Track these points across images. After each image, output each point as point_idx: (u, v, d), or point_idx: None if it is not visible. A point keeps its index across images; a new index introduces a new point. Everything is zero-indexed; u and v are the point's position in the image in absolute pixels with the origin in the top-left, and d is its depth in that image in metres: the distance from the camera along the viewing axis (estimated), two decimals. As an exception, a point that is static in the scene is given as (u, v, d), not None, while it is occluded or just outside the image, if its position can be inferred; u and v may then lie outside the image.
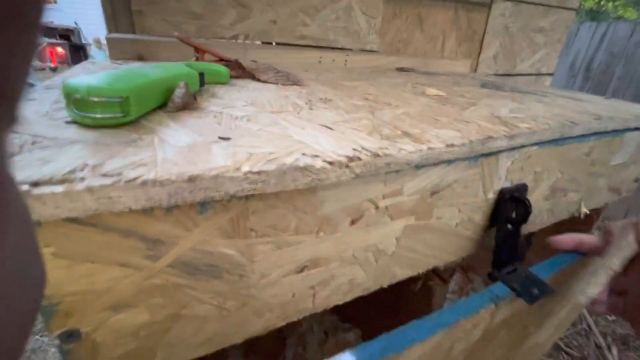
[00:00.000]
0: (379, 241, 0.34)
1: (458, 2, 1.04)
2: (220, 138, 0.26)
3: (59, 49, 4.97)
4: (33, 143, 0.22)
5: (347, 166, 0.25)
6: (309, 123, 0.33)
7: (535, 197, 0.46)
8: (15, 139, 0.23)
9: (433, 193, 0.34)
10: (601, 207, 0.61)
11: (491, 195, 0.40)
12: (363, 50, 0.96)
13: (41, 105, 0.32)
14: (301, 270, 0.30)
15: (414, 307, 0.56)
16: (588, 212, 0.55)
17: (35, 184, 0.18)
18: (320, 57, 0.84)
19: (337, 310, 0.85)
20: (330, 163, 0.24)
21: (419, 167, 0.31)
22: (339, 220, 0.29)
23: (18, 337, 0.11)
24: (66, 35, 5.35)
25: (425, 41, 1.05)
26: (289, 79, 0.51)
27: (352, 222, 0.30)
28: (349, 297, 0.36)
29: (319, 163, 0.24)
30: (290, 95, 0.44)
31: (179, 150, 0.23)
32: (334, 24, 0.91)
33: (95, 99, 0.25)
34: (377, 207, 0.31)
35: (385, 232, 0.33)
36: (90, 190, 0.18)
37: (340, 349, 0.76)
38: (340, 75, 0.71)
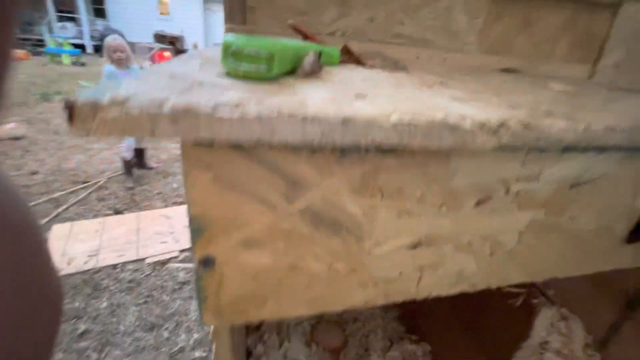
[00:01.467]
0: (500, 231, 0.30)
1: (577, 1, 0.93)
2: (358, 95, 0.26)
3: (166, 53, 5.79)
4: (200, 84, 0.25)
5: (495, 132, 0.23)
6: (438, 95, 0.31)
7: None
8: (179, 81, 0.26)
9: (573, 185, 0.30)
10: None
11: (640, 202, 0.34)
12: (461, 50, 0.91)
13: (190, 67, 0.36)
14: (414, 246, 0.29)
15: (504, 326, 0.50)
16: None
17: (214, 108, 0.19)
18: (418, 55, 0.82)
19: (404, 319, 0.80)
20: (482, 125, 0.22)
21: (566, 150, 0.27)
22: (465, 197, 0.27)
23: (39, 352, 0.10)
24: (173, 41, 6.20)
25: (531, 43, 0.96)
26: (397, 66, 0.50)
27: (478, 203, 0.28)
28: (452, 291, 0.33)
29: (468, 123, 0.22)
30: (402, 78, 0.44)
31: (324, 100, 0.24)
32: (432, 23, 0.88)
33: (248, 51, 0.27)
34: (507, 191, 0.28)
35: (510, 222, 0.30)
36: (259, 118, 0.19)
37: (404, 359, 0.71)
38: (442, 70, 0.68)
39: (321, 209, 0.24)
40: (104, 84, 0.22)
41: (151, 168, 2.92)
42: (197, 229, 0.22)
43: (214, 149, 0.20)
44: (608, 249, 0.36)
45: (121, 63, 2.40)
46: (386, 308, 0.84)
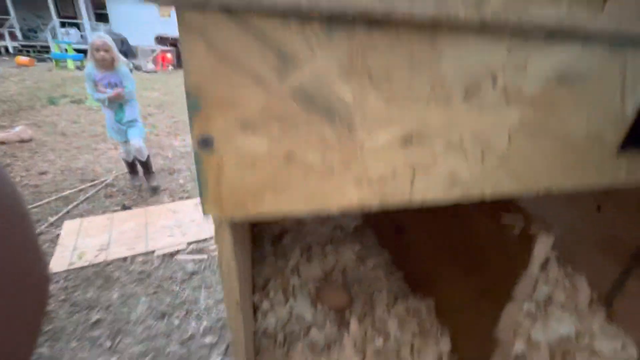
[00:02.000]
0: (490, 130, 0.31)
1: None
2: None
3: (168, 55, 5.91)
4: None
5: (478, 5, 0.24)
6: None
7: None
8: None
9: (560, 81, 0.30)
10: None
11: (630, 107, 0.34)
12: None
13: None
14: (405, 142, 0.30)
15: (503, 261, 0.50)
16: None
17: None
18: None
19: (409, 279, 0.81)
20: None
21: (550, 35, 0.28)
22: (453, 87, 0.28)
23: (22, 340, 0.10)
24: (174, 43, 6.33)
25: None
26: None
27: (466, 95, 0.29)
28: (447, 195, 0.33)
29: (449, -9, 0.23)
30: None
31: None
32: None
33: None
34: (495, 82, 0.29)
35: (499, 119, 0.31)
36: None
37: (410, 315, 0.71)
38: None
39: (312, 89, 0.25)
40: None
41: (155, 188, 2.67)
42: (194, 103, 0.23)
43: (206, 13, 0.21)
44: (600, 159, 0.36)
45: (105, 64, 2.21)
46: (391, 270, 0.84)
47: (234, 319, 0.35)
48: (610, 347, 0.68)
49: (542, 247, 0.45)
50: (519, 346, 0.65)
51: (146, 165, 2.59)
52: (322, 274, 0.80)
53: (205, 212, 0.27)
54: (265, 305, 0.68)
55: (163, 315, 1.72)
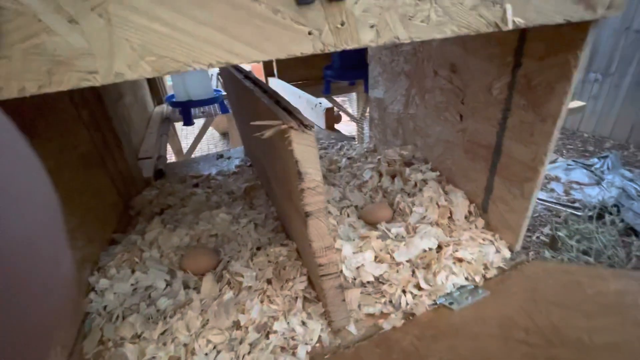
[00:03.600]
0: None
1: None
2: None
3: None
4: None
5: None
6: None
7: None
8: None
9: None
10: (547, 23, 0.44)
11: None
12: None
13: None
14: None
15: (291, 175, 0.45)
16: (519, 23, 0.39)
17: None
18: None
19: (283, 225, 0.76)
20: None
21: None
22: None
23: (40, 341, 0.09)
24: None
25: None
26: None
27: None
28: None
29: None
30: None
31: None
32: None
33: None
34: None
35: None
36: None
37: (270, 262, 0.65)
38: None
39: None
40: None
41: None
42: None
43: None
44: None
45: None
46: (266, 223, 0.79)
47: None
48: (478, 254, 0.66)
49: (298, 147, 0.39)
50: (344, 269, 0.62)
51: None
52: (190, 241, 0.75)
53: None
54: (103, 283, 0.61)
55: None
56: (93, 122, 0.81)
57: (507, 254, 0.69)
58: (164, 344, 0.52)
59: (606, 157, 2.74)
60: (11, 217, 0.08)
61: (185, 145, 2.64)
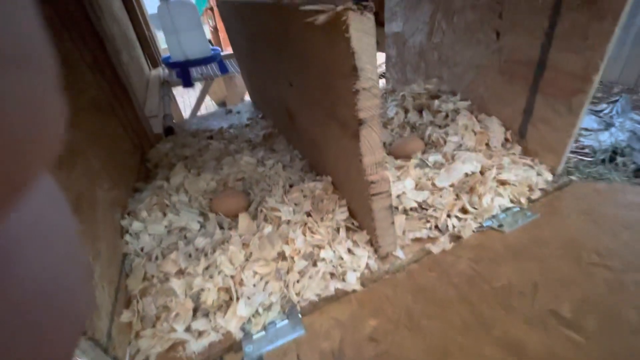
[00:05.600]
0: None
1: None
2: None
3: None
4: None
5: None
6: None
7: None
8: None
9: None
10: None
11: None
12: None
13: None
14: None
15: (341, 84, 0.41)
16: None
17: None
18: None
19: (310, 162, 0.73)
20: None
21: None
22: None
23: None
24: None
25: None
26: None
27: None
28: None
29: None
30: None
31: None
32: None
33: None
34: None
35: None
36: None
37: (306, 196, 0.62)
38: None
39: None
40: None
41: None
42: None
43: None
44: None
45: None
46: (293, 163, 0.76)
47: None
48: (517, 176, 0.63)
49: (356, 34, 0.35)
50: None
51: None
52: (216, 186, 0.72)
53: None
54: (136, 226, 0.59)
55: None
56: (97, 67, 0.75)
57: (549, 176, 0.66)
58: (211, 277, 0.50)
59: (615, 101, 2.69)
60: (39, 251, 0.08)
61: (185, 115, 2.55)
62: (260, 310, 0.48)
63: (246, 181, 0.73)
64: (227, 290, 0.50)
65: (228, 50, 2.56)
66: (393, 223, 0.51)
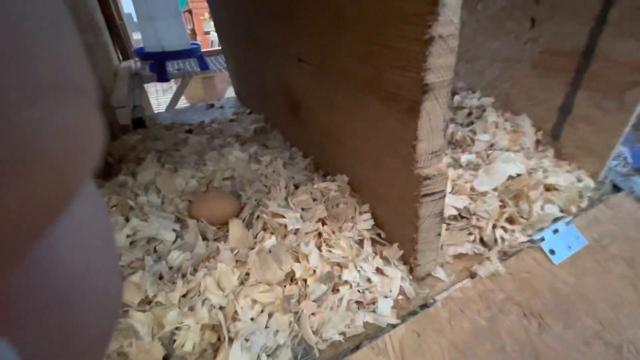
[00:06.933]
0: None
1: None
2: None
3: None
4: None
5: None
6: None
7: None
8: None
9: None
10: None
11: None
12: None
13: None
14: None
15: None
16: None
17: None
18: None
19: (316, 159, 0.60)
20: None
21: None
22: None
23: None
24: None
25: None
26: None
27: None
28: None
29: None
30: None
31: None
32: None
33: None
34: None
35: None
36: None
37: (316, 199, 0.50)
38: None
39: None
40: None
41: None
42: None
43: None
44: None
45: None
46: (294, 161, 0.63)
47: None
48: (565, 181, 0.54)
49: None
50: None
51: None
52: (198, 185, 0.57)
53: None
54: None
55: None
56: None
57: (591, 183, 0.58)
58: (191, 309, 0.35)
59: None
60: (74, 245, 0.09)
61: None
62: (264, 357, 0.33)
63: (236, 180, 0.58)
64: (215, 328, 0.35)
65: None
66: (440, 234, 0.39)
